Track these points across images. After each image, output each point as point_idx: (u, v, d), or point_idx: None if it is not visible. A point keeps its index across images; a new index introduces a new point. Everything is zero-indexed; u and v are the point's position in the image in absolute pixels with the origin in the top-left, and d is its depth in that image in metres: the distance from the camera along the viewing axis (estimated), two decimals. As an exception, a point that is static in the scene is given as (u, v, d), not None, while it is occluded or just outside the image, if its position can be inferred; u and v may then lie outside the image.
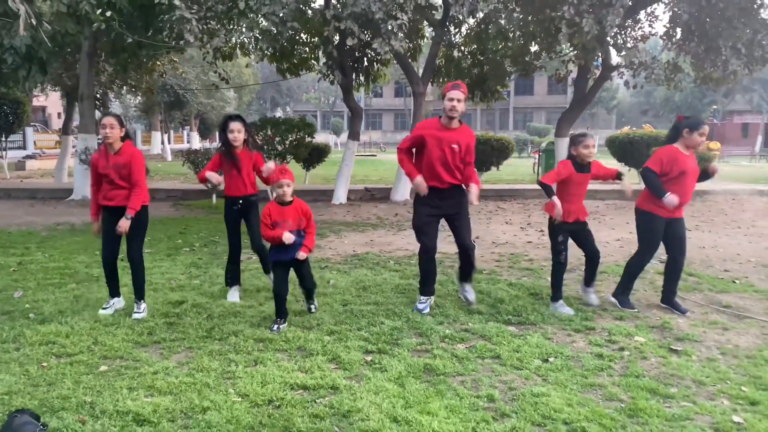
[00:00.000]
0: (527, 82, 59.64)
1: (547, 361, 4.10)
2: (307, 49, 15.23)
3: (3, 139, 18.52)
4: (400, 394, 3.53)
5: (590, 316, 5.07)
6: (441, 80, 16.62)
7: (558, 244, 5.25)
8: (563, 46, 10.22)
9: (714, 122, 38.36)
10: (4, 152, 19.05)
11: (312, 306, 5.07)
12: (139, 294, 5.07)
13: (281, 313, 4.72)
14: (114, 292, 5.21)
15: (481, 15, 10.63)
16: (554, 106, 56.52)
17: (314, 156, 15.34)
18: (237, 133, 5.33)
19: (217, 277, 6.32)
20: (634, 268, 5.37)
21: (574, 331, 4.71)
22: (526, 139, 37.72)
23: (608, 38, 10.53)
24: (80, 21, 9.11)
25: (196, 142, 40.71)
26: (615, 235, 9.18)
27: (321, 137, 47.80)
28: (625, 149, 15.87)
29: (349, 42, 8.75)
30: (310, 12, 11.90)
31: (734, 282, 6.30)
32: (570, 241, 5.31)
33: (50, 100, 46.73)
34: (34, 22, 4.81)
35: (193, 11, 8.09)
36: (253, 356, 4.09)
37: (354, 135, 13.63)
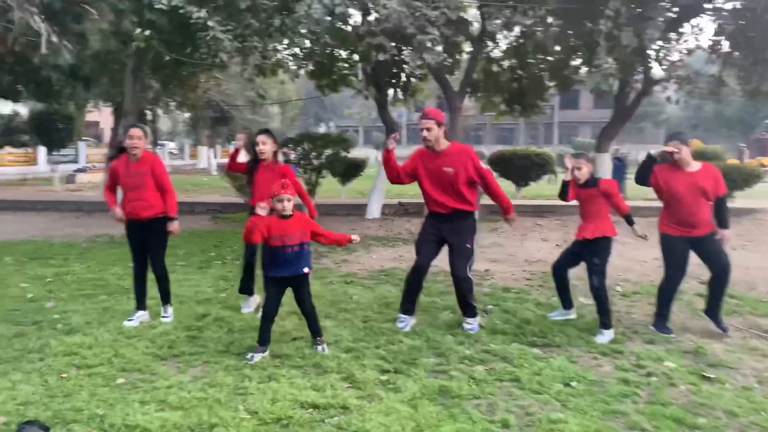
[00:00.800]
0: (572, 96, 58.71)
1: (568, 385, 3.94)
2: (346, 65, 15.40)
3: (55, 153, 19.24)
4: (412, 416, 3.44)
5: (619, 339, 4.87)
6: (479, 95, 16.54)
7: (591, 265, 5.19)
8: (604, 59, 9.99)
9: (766, 137, 36.95)
10: (55, 165, 19.81)
11: (320, 345, 4.50)
12: (166, 299, 5.32)
13: (264, 339, 4.38)
14: (141, 304, 5.33)
15: (517, 30, 10.50)
16: (600, 121, 55.22)
17: (351, 170, 15.40)
18: (262, 145, 5.40)
19: (244, 291, 6.35)
20: (663, 291, 5.16)
21: (601, 355, 4.53)
22: (578, 153, 36.99)
23: (649, 52, 10.26)
24: (123, 40, 9.40)
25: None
26: (654, 253, 8.84)
27: (362, 152, 48.12)
28: (669, 165, 15.40)
29: (381, 57, 8.77)
30: (348, 28, 12.00)
31: (778, 306, 5.97)
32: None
33: (103, 116, 48.58)
34: (56, 40, 4.95)
35: (228, 29, 8.25)
36: (268, 372, 4.07)
37: (389, 150, 13.60)
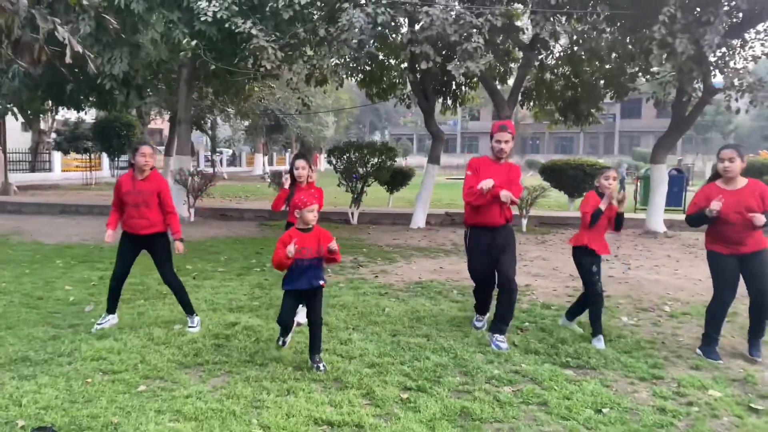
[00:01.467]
0: (634, 105, 56.99)
1: (600, 412, 3.71)
2: (395, 73, 15.38)
3: (115, 158, 19.96)
4: (427, 438, 3.30)
5: (660, 363, 4.57)
6: (533, 104, 16.20)
7: (592, 275, 5.08)
8: (659, 67, 9.54)
9: None
10: (116, 171, 20.57)
11: (318, 363, 4.32)
12: (188, 309, 5.31)
13: (286, 331, 4.71)
14: (112, 308, 5.35)
15: (564, 36, 10.20)
16: (663, 130, 53.51)
17: (398, 179, 15.34)
18: (302, 170, 5.50)
19: (277, 298, 6.32)
20: (711, 312, 4.84)
21: (639, 380, 4.27)
22: (629, 165, 35.95)
23: (710, 59, 9.77)
24: (174, 49, 9.65)
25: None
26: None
27: (416, 160, 47.98)
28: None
29: (423, 65, 8.67)
30: (395, 36, 11.98)
31: None
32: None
33: (166, 123, 50.40)
34: (80, 50, 5.06)
35: (272, 39, 8.34)
36: (287, 385, 4.00)
37: (434, 159, 13.47)
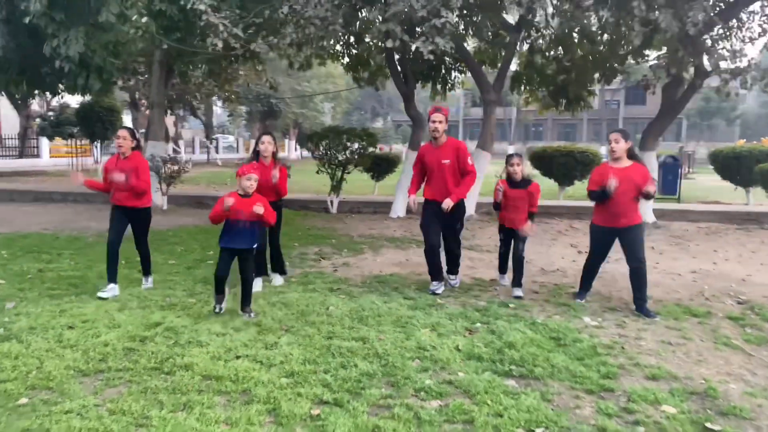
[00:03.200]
0: (638, 91, 55.81)
1: (532, 432, 3.26)
2: (381, 56, 14.83)
3: (98, 145, 19.55)
4: (322, 466, 2.86)
5: (614, 372, 4.10)
6: (524, 88, 15.63)
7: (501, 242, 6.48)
8: (640, 45, 8.93)
9: None
10: (101, 157, 20.16)
11: (248, 312, 5.16)
12: (147, 272, 6.23)
13: (220, 291, 5.19)
14: (112, 277, 5.87)
15: (556, 20, 9.61)
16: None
17: (383, 166, 14.84)
18: (267, 144, 6.05)
19: (217, 296, 5.92)
20: (585, 269, 6.08)
21: (586, 392, 3.80)
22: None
23: (701, 39, 9.20)
24: (132, 29, 9.15)
25: (294, 151, 41.67)
26: (693, 265, 7.87)
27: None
28: (729, 165, 14.09)
29: (389, 44, 8.14)
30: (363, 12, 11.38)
31: (827, 336, 5.01)
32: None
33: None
34: None
35: (230, 18, 7.84)
36: (186, 398, 3.57)
37: (415, 145, 12.94)
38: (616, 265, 7.78)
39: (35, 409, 3.44)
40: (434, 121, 5.86)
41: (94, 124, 18.61)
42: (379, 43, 8.67)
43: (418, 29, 8.99)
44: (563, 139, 58.57)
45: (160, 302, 5.63)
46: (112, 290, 5.81)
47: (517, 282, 6.14)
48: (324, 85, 36.66)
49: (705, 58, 9.57)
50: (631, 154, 5.57)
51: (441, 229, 6.08)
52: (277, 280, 6.44)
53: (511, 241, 6.24)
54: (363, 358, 4.25)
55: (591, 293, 6.12)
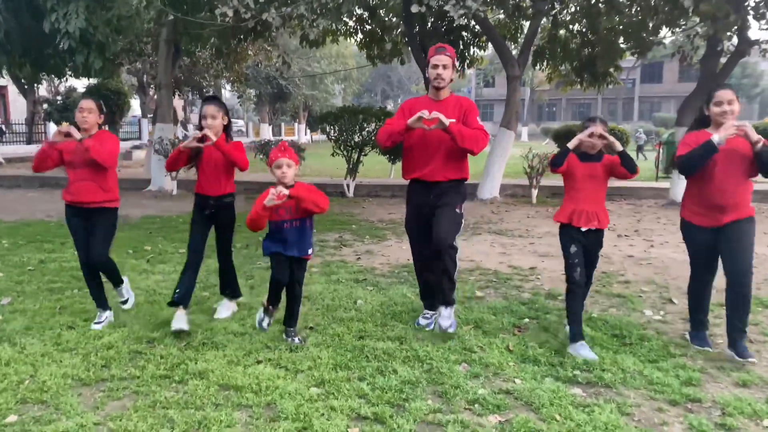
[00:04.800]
0: (654, 69, 54.74)
1: (616, 457, 2.70)
2: (397, 32, 14.18)
3: (106, 128, 19.04)
4: (370, 506, 2.31)
5: (696, 378, 3.52)
6: (546, 64, 14.93)
7: (570, 257, 3.98)
8: (690, 10, 8.22)
9: None
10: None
11: (292, 337, 4.02)
12: (115, 282, 4.63)
13: (275, 299, 4.01)
14: (102, 303, 4.48)
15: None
16: (685, 95, 51.40)
17: (399, 148, 14.18)
18: (211, 119, 4.26)
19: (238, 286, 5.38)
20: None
21: (669, 404, 3.23)
22: (649, 131, 34.38)
23: (748, 3, 8.49)
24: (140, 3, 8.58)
25: (303, 135, 41.07)
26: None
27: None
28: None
29: (414, 9, 7.52)
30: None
31: None
32: None
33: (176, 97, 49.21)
34: None
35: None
36: (202, 414, 3.03)
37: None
38: (663, 249, 7.21)
39: (25, 428, 2.92)
40: (436, 66, 4.10)
41: (101, 107, 18.10)
42: (401, 12, 8.01)
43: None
44: (577, 119, 57.54)
45: (170, 297, 5.09)
46: (107, 318, 4.45)
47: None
48: (334, 66, 35.94)
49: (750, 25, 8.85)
50: None
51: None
52: (224, 308, 4.67)
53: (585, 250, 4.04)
54: (402, 362, 3.70)
55: (645, 281, 5.54)
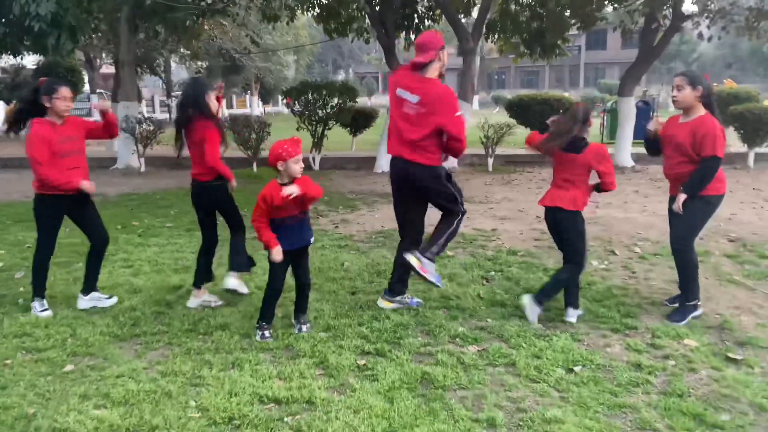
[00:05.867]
0: (599, 36, 56.25)
1: (571, 371, 3.44)
2: (354, 6, 14.55)
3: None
4: (385, 413, 2.98)
5: (633, 311, 4.32)
6: (497, 36, 15.58)
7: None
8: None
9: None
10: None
11: (303, 324, 4.04)
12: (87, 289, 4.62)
13: (269, 314, 3.97)
14: (40, 292, 4.48)
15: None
16: (629, 62, 52.91)
17: (360, 121, 14.73)
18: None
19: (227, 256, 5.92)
20: None
21: (611, 331, 4.01)
22: (595, 98, 35.66)
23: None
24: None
25: (256, 107, 40.81)
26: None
27: (382, 99, 47.00)
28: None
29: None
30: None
31: (818, 267, 5.34)
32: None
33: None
34: None
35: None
36: (233, 357, 3.63)
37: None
38: (608, 210, 8.04)
39: (84, 374, 3.46)
40: (451, 54, 4.58)
41: (55, 85, 17.88)
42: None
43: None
44: (526, 87, 58.80)
45: (173, 265, 5.62)
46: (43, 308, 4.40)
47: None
48: (286, 37, 35.73)
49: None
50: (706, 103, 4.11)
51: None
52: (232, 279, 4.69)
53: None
54: (393, 310, 4.36)
55: (592, 237, 6.32)
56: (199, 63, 33.34)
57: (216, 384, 3.29)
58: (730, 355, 3.63)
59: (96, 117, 20.49)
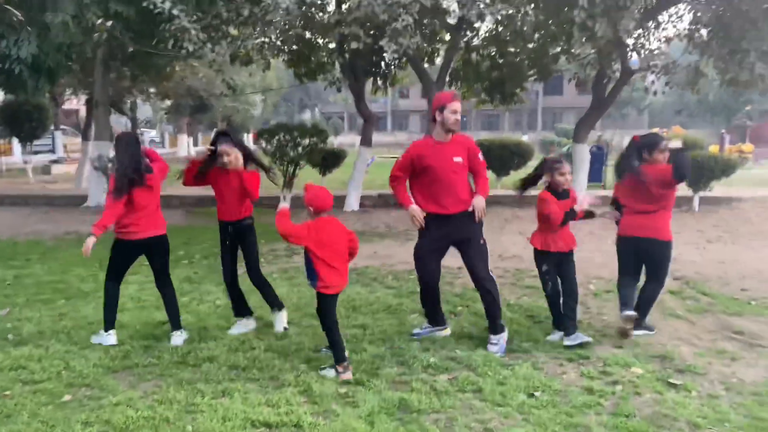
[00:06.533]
0: (556, 82, 58.13)
1: (532, 396, 3.84)
2: (324, 53, 15.15)
3: (27, 143, 18.82)
4: (366, 434, 3.31)
5: (586, 343, 4.76)
6: (459, 83, 16.36)
7: (543, 275, 4.98)
8: (580, 49, 9.85)
9: (748, 124, 37.14)
10: (29, 156, 19.38)
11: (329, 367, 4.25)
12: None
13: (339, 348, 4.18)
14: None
15: (490, 18, 10.32)
16: (584, 107, 54.90)
17: (330, 161, 15.18)
18: (226, 156, 4.84)
19: (208, 294, 6.21)
20: None
21: (567, 361, 4.43)
22: (552, 141, 37.05)
23: (627, 41, 10.13)
24: (86, 31, 9.11)
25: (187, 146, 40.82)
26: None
27: (348, 138, 47.62)
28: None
29: (354, 45, 8.57)
30: (322, 15, 11.76)
31: (751, 303, 5.92)
32: None
33: (83, 104, 47.51)
34: None
35: (194, 20, 8.01)
36: (222, 386, 3.92)
37: (366, 141, 13.43)
38: (591, 254, 8.57)
39: (83, 404, 3.70)
40: (456, 111, 4.49)
41: (23, 123, 17.92)
42: (344, 46, 9.03)
43: (372, 31, 9.44)
44: (487, 129, 60.59)
45: (155, 303, 5.84)
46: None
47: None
48: (253, 78, 36.29)
49: (632, 57, 10.53)
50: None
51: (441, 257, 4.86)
52: (278, 320, 5.09)
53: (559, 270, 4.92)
54: (369, 343, 4.72)
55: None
56: (167, 102, 33.59)
57: (209, 410, 3.57)
58: (671, 380, 4.08)
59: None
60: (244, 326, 5.04)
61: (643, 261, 4.99)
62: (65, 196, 14.26)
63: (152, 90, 19.04)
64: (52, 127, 29.53)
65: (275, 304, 5.10)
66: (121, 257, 4.78)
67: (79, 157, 18.23)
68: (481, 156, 4.72)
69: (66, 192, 15.42)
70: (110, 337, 4.70)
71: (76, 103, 44.27)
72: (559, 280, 4.90)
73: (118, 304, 4.86)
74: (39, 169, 21.29)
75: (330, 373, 4.11)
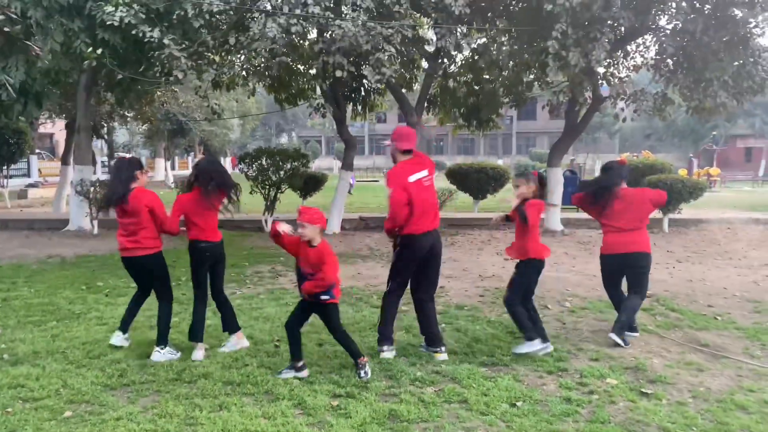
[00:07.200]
0: (530, 108, 59.46)
1: (514, 405, 4.07)
2: (304, 79, 15.46)
3: (4, 168, 18.71)
4: (360, 442, 3.51)
5: (564, 356, 5.03)
6: (437, 110, 16.80)
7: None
8: (553, 77, 10.34)
9: (714, 148, 38.36)
10: (5, 180, 19.24)
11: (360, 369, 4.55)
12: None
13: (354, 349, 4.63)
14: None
15: (467, 47, 10.77)
16: (557, 131, 56.25)
17: (310, 185, 15.40)
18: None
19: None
20: None
21: (546, 373, 4.68)
22: (527, 165, 37.81)
23: (598, 70, 10.61)
24: (74, 58, 9.28)
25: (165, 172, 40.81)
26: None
27: (325, 162, 47.87)
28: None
29: (338, 74, 8.88)
30: (303, 44, 12.09)
31: (716, 318, 6.25)
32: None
33: (57, 128, 47.18)
34: None
35: (182, 47, 8.25)
36: (219, 401, 4.08)
37: (348, 166, 13.71)
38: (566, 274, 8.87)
39: (84, 419, 3.83)
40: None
41: (1, 147, 17.83)
42: (327, 74, 9.36)
43: (355, 59, 9.77)
44: (463, 153, 61.56)
45: (147, 323, 5.99)
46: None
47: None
48: (230, 102, 36.52)
49: (602, 85, 11.03)
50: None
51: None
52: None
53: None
54: (358, 359, 4.90)
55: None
56: (143, 126, 33.61)
57: (209, 423, 3.74)
58: (643, 390, 4.36)
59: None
60: (234, 344, 5.19)
61: (626, 275, 5.52)
62: (45, 219, 14.23)
63: (130, 114, 19.03)
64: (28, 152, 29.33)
65: (200, 337, 5.14)
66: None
67: (58, 181, 18.15)
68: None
69: (45, 216, 15.38)
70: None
71: (51, 127, 44.06)
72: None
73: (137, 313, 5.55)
74: (15, 193, 21.15)
75: (289, 374, 4.52)
